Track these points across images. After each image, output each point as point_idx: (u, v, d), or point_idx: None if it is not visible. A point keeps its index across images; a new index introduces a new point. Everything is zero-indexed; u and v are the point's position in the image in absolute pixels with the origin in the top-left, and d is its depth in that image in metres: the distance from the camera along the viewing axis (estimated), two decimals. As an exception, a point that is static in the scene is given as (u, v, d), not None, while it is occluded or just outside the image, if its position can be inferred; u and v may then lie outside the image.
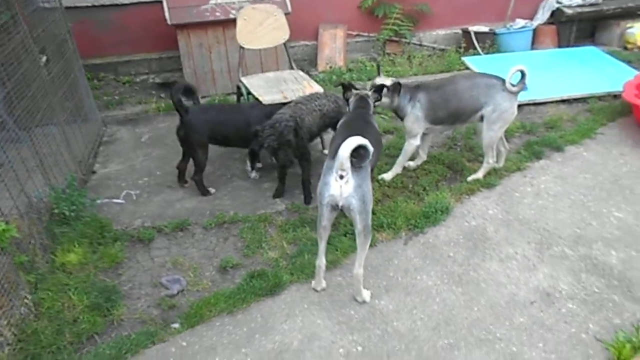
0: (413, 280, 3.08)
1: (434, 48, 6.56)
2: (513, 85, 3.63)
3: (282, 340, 2.72)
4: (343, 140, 2.61)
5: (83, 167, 4.23)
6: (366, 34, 6.45)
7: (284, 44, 4.51)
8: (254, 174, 4.09)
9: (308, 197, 3.75)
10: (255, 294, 2.98)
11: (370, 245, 3.31)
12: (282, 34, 4.44)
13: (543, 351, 2.60)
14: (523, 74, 3.60)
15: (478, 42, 6.28)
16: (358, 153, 2.62)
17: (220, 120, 3.82)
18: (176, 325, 2.84)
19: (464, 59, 6.02)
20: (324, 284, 3.02)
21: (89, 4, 5.66)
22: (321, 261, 2.95)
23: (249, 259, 3.31)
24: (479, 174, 3.93)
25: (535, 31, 6.41)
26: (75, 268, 3.19)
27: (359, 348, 2.66)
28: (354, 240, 3.25)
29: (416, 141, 3.85)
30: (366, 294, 2.94)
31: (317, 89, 4.10)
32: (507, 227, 3.47)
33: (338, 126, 3.35)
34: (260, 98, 3.95)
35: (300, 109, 3.64)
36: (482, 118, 3.78)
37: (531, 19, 6.58)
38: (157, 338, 2.74)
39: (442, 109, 3.75)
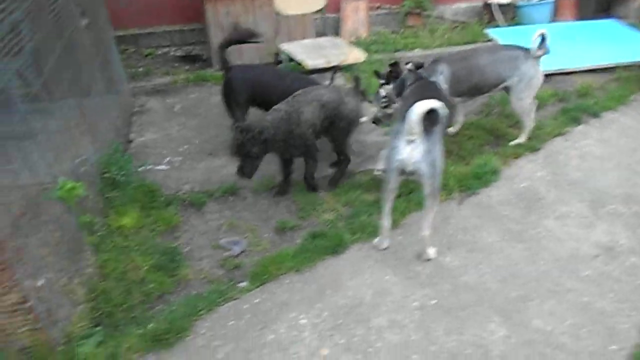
0: (473, 238, 3.10)
1: (455, 21, 6.55)
2: (537, 50, 3.64)
3: (354, 296, 2.73)
4: (413, 103, 2.55)
5: (120, 135, 4.16)
6: (388, 6, 6.41)
7: (322, 9, 4.46)
8: None
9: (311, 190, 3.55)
10: (319, 253, 2.98)
11: (425, 206, 3.36)
12: (320, 0, 4.40)
13: (614, 301, 2.64)
14: (543, 38, 3.61)
15: (501, 14, 6.28)
16: (429, 117, 2.55)
17: (261, 81, 3.76)
18: (244, 284, 2.83)
19: (487, 31, 6.01)
20: (386, 243, 3.02)
21: (110, -26, 5.53)
22: (386, 222, 2.95)
23: (305, 221, 3.31)
24: (522, 139, 3.95)
25: (555, 4, 6.42)
26: (131, 231, 3.15)
27: (433, 301, 2.69)
28: (409, 201, 3.29)
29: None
30: (432, 252, 2.95)
31: (360, 55, 4.07)
32: (557, 188, 3.51)
33: (406, 92, 3.20)
34: (303, 63, 3.93)
35: (298, 101, 3.30)
36: (506, 89, 3.78)
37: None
38: (228, 296, 2.74)
39: (464, 82, 3.70)
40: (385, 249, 3.02)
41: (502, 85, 3.76)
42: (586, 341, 2.44)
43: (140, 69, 5.50)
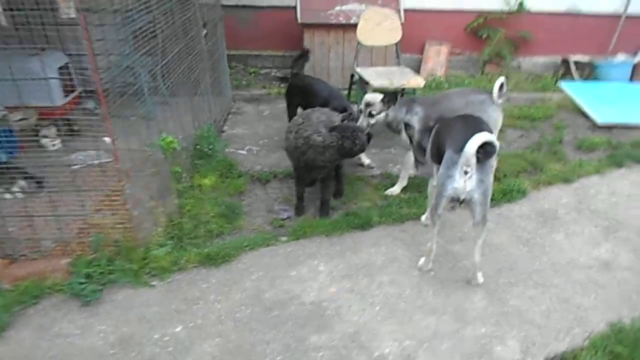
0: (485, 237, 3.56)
1: (531, 73, 6.98)
2: (499, 98, 3.88)
3: (368, 259, 3.32)
4: (468, 135, 2.72)
5: (216, 127, 5.13)
6: (468, 52, 7.02)
7: (396, 44, 5.21)
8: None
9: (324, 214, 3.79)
10: (348, 226, 3.61)
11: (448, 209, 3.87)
12: (395, 35, 5.15)
13: (593, 300, 2.99)
14: (502, 86, 3.80)
15: (577, 70, 6.63)
16: (484, 149, 2.70)
17: (306, 89, 4.53)
18: (284, 238, 3.54)
19: (560, 83, 6.40)
20: (430, 265, 3.22)
21: (233, 4, 6.76)
22: (432, 245, 3.15)
23: (345, 205, 3.96)
24: None
25: (635, 66, 6.64)
26: (208, 190, 3.99)
27: (432, 273, 3.20)
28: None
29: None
30: (480, 277, 3.10)
31: (420, 81, 4.75)
32: (577, 213, 3.86)
33: (449, 122, 3.21)
34: (370, 81, 4.66)
35: (310, 126, 3.52)
36: None
37: (634, 54, 6.82)
38: (269, 242, 3.46)
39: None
40: (427, 271, 3.21)
41: None
42: (554, 322, 2.83)
43: (244, 82, 6.57)
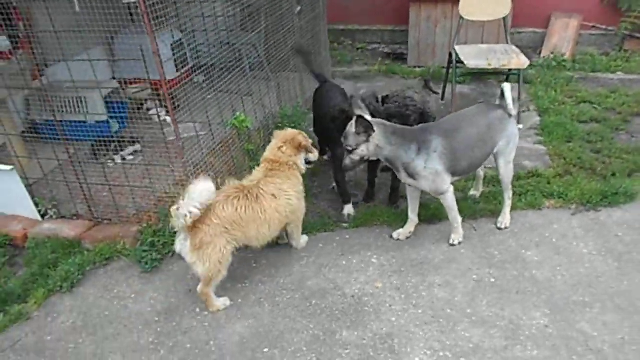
0: (567, 245, 3.13)
1: (686, 50, 5.86)
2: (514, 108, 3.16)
3: (425, 255, 3.12)
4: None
5: (306, 105, 5.12)
6: (604, 27, 6.10)
7: (504, 18, 4.69)
8: None
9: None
10: (414, 217, 3.41)
11: (534, 208, 3.46)
12: (503, 9, 4.64)
13: (689, 337, 2.48)
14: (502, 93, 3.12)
15: None
16: None
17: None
18: (345, 225, 3.46)
19: None
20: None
21: (342, -23, 6.64)
22: None
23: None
24: (507, 217, 3.33)
25: None
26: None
27: (492, 280, 2.91)
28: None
29: (451, 191, 3.07)
30: None
31: (523, 61, 4.25)
32: (699, 226, 3.20)
33: None
34: (465, 62, 4.29)
35: None
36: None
37: None
38: (328, 228, 3.41)
39: (465, 159, 3.03)
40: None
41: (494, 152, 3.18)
42: (627, 357, 2.40)
43: (349, 59, 6.46)
